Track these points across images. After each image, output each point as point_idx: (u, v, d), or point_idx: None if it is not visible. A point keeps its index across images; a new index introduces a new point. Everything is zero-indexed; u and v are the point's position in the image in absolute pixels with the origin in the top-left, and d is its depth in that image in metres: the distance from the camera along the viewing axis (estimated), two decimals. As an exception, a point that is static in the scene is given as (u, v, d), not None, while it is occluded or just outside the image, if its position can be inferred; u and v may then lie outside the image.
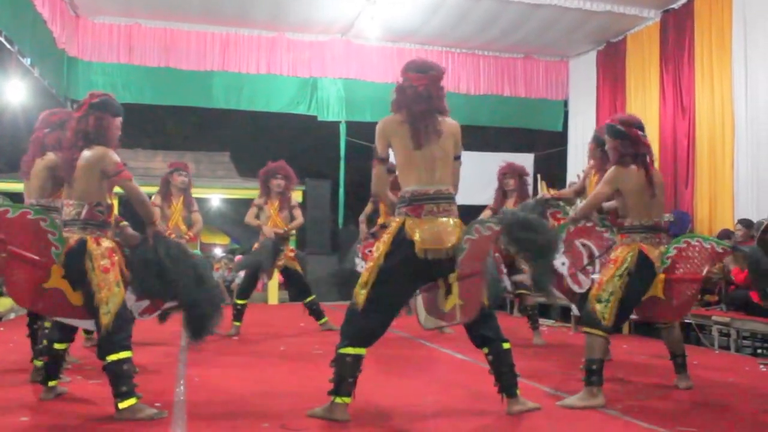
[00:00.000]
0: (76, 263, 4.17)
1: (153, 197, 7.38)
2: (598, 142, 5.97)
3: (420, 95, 4.22)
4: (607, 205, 5.15)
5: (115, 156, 4.33)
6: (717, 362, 6.41)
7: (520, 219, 4.24)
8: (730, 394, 5.07)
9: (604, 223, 5.46)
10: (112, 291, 4.17)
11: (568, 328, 8.52)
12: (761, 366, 6.21)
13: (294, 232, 8.62)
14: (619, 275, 4.64)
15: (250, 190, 13.33)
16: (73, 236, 4.22)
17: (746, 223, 7.99)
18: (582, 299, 5.90)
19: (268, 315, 9.98)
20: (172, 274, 4.44)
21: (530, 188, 7.94)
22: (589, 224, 5.40)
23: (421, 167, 4.22)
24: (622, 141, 4.75)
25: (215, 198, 16.32)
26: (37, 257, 4.16)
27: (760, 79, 9.58)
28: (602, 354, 4.64)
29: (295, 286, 8.27)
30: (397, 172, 4.43)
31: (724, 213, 9.94)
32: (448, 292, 4.25)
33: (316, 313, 8.21)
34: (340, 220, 14.11)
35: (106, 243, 4.28)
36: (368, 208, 8.47)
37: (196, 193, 12.15)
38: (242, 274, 12.30)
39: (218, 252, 16.91)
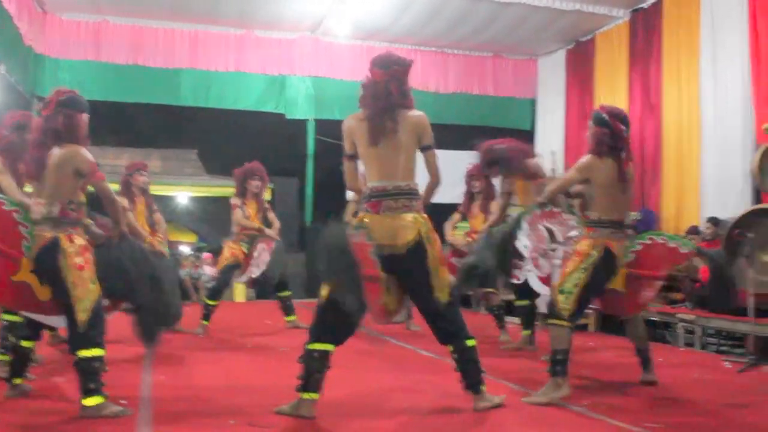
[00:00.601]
0: (50, 261, 4.11)
1: (119, 199, 7.26)
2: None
3: (378, 92, 4.22)
4: (574, 189, 5.15)
5: (88, 155, 4.27)
6: (682, 359, 6.46)
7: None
8: (696, 390, 5.10)
9: (571, 210, 5.47)
10: (87, 288, 4.12)
11: (535, 325, 8.53)
12: (725, 363, 6.26)
13: None
14: (584, 268, 4.64)
15: (218, 188, 13.27)
16: (45, 234, 4.15)
17: (714, 221, 8.09)
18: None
19: (234, 313, 9.89)
20: (133, 276, 4.42)
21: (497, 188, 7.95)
22: (556, 210, 5.42)
23: (380, 163, 4.23)
24: (603, 130, 4.72)
25: (183, 196, 16.17)
26: (9, 249, 4.09)
27: (727, 79, 9.69)
28: (567, 344, 4.63)
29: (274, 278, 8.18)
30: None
31: (690, 211, 10.06)
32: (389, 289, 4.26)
33: (287, 308, 8.17)
34: (308, 219, 14.05)
35: (80, 240, 4.22)
36: (353, 207, 8.42)
37: (164, 190, 12.11)
38: (209, 272, 12.30)
39: (185, 250, 16.74)
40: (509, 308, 7.44)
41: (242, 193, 8.04)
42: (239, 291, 12.13)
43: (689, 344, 7.26)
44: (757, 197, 8.83)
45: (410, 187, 4.25)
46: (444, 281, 4.26)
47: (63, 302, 4.13)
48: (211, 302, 7.88)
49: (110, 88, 12.39)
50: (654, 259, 4.78)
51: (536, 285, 5.85)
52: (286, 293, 8.17)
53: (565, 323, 4.62)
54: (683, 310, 7.31)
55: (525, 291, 6.24)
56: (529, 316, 6.65)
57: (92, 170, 4.26)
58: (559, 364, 4.60)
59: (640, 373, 5.22)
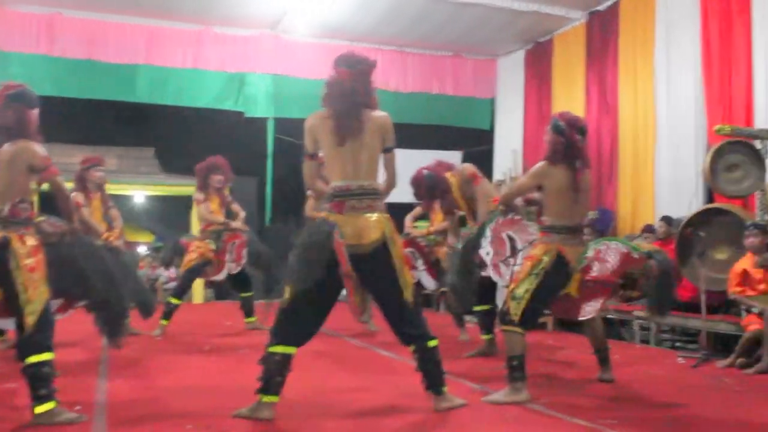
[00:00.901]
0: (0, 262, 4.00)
1: (73, 195, 7.12)
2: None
3: (344, 91, 4.21)
4: (530, 196, 5.21)
5: (41, 150, 4.17)
6: (638, 356, 6.56)
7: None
8: (651, 386, 5.18)
9: (531, 217, 5.52)
10: (38, 290, 4.01)
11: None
12: (679, 359, 6.37)
13: None
14: (535, 274, 4.66)
15: (175, 187, 13.09)
16: None
17: (668, 220, 8.21)
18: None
19: (193, 314, 9.81)
20: (87, 274, 4.34)
21: None
22: (517, 217, 5.46)
23: (344, 163, 4.21)
24: (559, 139, 4.78)
25: (139, 195, 15.96)
26: None
27: (680, 80, 9.85)
28: (521, 350, 4.65)
29: (237, 278, 8.09)
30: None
31: (645, 210, 10.21)
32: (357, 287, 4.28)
33: (248, 310, 8.10)
34: (267, 218, 13.97)
35: (31, 241, 4.10)
36: (311, 203, 8.38)
37: (119, 189, 11.92)
38: (166, 272, 12.18)
39: (141, 250, 16.57)
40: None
41: (204, 187, 7.93)
42: (197, 292, 12.01)
43: (644, 341, 7.37)
44: (710, 196, 8.99)
45: (374, 187, 4.25)
46: (408, 281, 4.26)
47: (13, 305, 4.02)
48: (174, 301, 7.79)
49: (63, 84, 12.09)
50: (607, 264, 4.78)
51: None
52: (249, 294, 8.09)
53: (517, 329, 4.64)
54: (639, 307, 7.40)
55: (485, 295, 6.25)
56: (488, 321, 6.52)
57: (46, 165, 4.15)
58: (516, 370, 4.62)
59: (598, 371, 5.29)
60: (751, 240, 6.10)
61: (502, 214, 5.44)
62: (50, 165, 4.20)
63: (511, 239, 5.39)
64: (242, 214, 8.17)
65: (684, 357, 6.40)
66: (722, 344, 6.72)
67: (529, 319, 4.73)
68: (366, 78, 4.32)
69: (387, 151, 4.36)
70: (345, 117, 4.18)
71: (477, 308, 6.48)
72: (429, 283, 7.27)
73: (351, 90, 4.22)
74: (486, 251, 5.44)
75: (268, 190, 13.69)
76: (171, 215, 16.39)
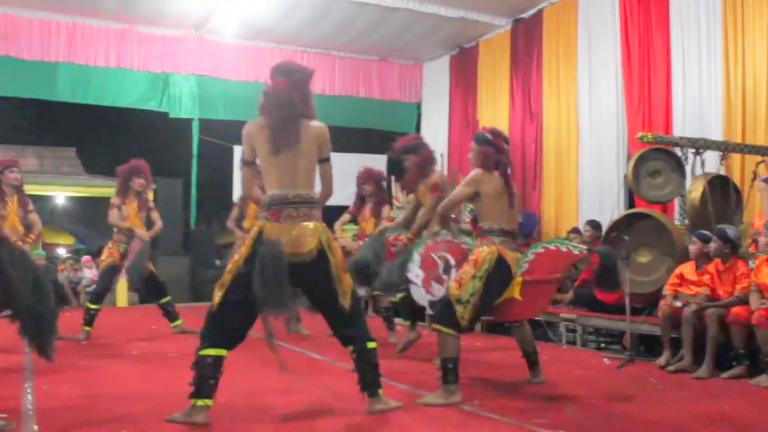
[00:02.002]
0: None
1: None
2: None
3: (281, 100, 4.22)
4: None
5: None
6: (565, 357, 6.71)
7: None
8: (579, 386, 5.32)
9: (462, 232, 5.64)
10: None
11: (422, 326, 8.67)
12: (605, 359, 6.56)
13: None
14: (480, 276, 4.74)
15: (98, 188, 12.79)
16: None
17: (594, 224, 8.41)
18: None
19: (118, 318, 9.59)
20: (14, 282, 4.22)
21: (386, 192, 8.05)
22: (446, 238, 5.58)
23: (281, 171, 4.23)
24: (488, 147, 4.95)
25: (60, 196, 15.51)
26: None
27: (602, 88, 10.13)
28: (456, 352, 4.73)
29: (150, 286, 7.96)
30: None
31: (569, 213, 10.45)
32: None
33: (170, 314, 7.98)
34: (192, 220, 13.78)
35: None
36: (235, 212, 8.33)
37: (40, 190, 11.58)
38: (89, 275, 11.87)
39: (62, 252, 16.12)
40: (396, 310, 7.51)
41: (124, 191, 7.81)
42: (121, 295, 11.76)
43: (571, 342, 7.54)
44: (631, 201, 9.26)
45: (310, 195, 4.28)
46: (347, 287, 4.29)
47: None
48: (92, 306, 7.63)
49: (-21, 81, 11.73)
50: (549, 264, 4.94)
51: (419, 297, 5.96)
52: (166, 299, 7.97)
53: (455, 332, 4.71)
54: (565, 309, 7.59)
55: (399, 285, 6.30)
56: (407, 309, 6.62)
57: None
58: (450, 372, 4.69)
59: (528, 374, 5.40)
60: (693, 247, 6.36)
61: (430, 238, 5.57)
62: None
63: (442, 258, 5.51)
64: (158, 224, 8.05)
65: (609, 358, 6.59)
66: (644, 345, 6.95)
67: (473, 322, 4.82)
68: (304, 88, 4.34)
69: (323, 161, 4.40)
70: (281, 127, 4.19)
71: (397, 297, 6.61)
72: (361, 288, 7.30)
73: (287, 100, 4.23)
74: (415, 273, 5.54)
75: (193, 192, 13.49)
76: (93, 217, 16.00)
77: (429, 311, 6.83)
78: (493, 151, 4.95)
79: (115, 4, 11.58)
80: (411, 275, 5.59)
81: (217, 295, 4.14)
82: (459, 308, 4.71)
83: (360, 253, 6.25)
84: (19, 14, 11.73)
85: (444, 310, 4.80)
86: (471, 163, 5.09)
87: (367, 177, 7.68)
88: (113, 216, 7.77)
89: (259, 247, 4.09)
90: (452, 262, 5.52)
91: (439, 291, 5.49)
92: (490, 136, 5.02)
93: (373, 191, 7.64)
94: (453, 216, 5.74)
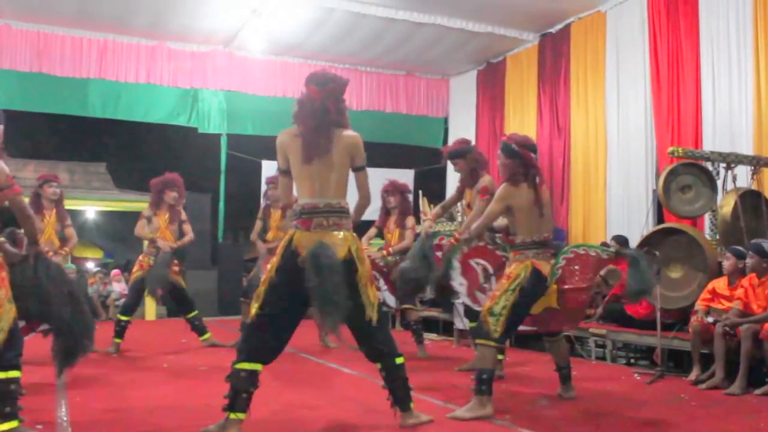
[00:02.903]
0: None
1: None
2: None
3: (315, 109, 4.22)
4: (497, 224, 5.29)
5: (5, 167, 4.09)
6: (595, 373, 6.65)
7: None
8: (611, 402, 5.28)
9: (496, 242, 5.62)
10: (3, 308, 3.92)
11: (451, 341, 8.68)
12: (635, 375, 6.50)
13: None
14: (512, 290, 4.75)
15: (128, 203, 12.91)
16: None
17: (620, 239, 8.35)
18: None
19: (147, 331, 9.66)
20: (50, 297, 4.26)
21: (412, 204, 8.07)
22: (481, 244, 5.54)
23: (312, 180, 4.21)
24: (514, 160, 4.92)
25: (90, 210, 15.69)
26: None
27: (630, 102, 10.11)
28: (493, 365, 4.75)
29: (179, 300, 8.03)
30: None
31: (596, 229, 10.40)
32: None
33: (199, 329, 8.02)
34: (220, 234, 13.87)
35: None
36: (258, 225, 8.36)
37: (71, 204, 11.71)
38: (118, 288, 11.98)
39: (91, 266, 16.29)
40: (426, 324, 7.51)
41: (157, 203, 7.90)
42: (150, 309, 11.83)
43: (600, 358, 7.49)
44: (660, 216, 9.19)
45: (341, 205, 4.26)
46: (373, 300, 4.27)
47: None
48: (123, 318, 7.69)
49: (13, 97, 11.89)
50: (580, 269, 4.92)
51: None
52: (194, 313, 8.02)
53: (491, 343, 4.71)
54: (594, 324, 7.54)
55: (476, 314, 6.37)
56: None
57: (9, 183, 4.09)
58: (484, 384, 4.68)
59: (559, 388, 5.37)
60: (726, 262, 6.30)
61: (466, 243, 5.53)
62: (13, 183, 4.11)
63: (480, 265, 5.48)
64: (189, 236, 8.09)
65: (640, 373, 6.53)
66: (674, 361, 6.89)
67: (506, 334, 4.81)
68: (338, 96, 4.33)
69: (357, 170, 4.38)
70: (313, 135, 4.19)
71: (471, 325, 6.57)
72: (391, 300, 7.30)
73: (321, 108, 4.23)
74: (459, 282, 5.51)
75: (221, 206, 13.61)
76: (121, 231, 16.14)
77: (457, 326, 6.90)
78: (519, 164, 4.90)
79: (146, 21, 11.75)
80: (455, 284, 5.54)
81: (254, 307, 4.12)
82: (491, 320, 4.71)
83: (407, 259, 6.21)
84: (52, 32, 11.97)
85: (480, 324, 4.82)
86: (500, 173, 5.07)
87: (392, 189, 7.70)
88: (139, 227, 7.87)
89: (308, 253, 4.04)
90: (490, 269, 5.50)
91: (484, 301, 5.49)
92: (516, 147, 4.95)
93: (398, 203, 7.65)
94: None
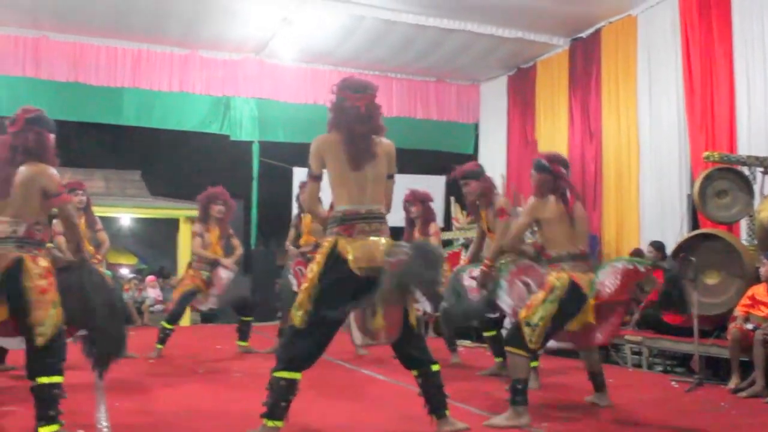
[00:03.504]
0: (13, 282, 3.99)
1: (54, 222, 7.08)
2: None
3: (361, 115, 4.21)
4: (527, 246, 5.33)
5: (56, 174, 4.19)
6: (632, 380, 6.61)
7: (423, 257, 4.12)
8: (649, 410, 5.24)
9: (540, 260, 5.61)
10: (48, 312, 4.01)
11: (484, 348, 8.64)
12: (672, 383, 6.44)
13: None
14: (551, 301, 4.73)
15: (162, 210, 13.05)
16: (9, 254, 4.03)
17: (657, 246, 8.26)
18: None
19: (182, 337, 9.72)
20: (91, 303, 4.34)
21: (438, 212, 8.08)
22: (527, 263, 5.55)
23: (353, 187, 4.20)
24: (544, 174, 4.98)
25: (125, 217, 15.88)
26: None
27: (662, 106, 10.01)
28: (526, 373, 4.74)
29: (241, 303, 8.16)
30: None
31: (630, 235, 10.32)
32: (375, 311, 4.26)
33: (243, 333, 8.10)
34: (253, 241, 13.96)
35: (44, 262, 4.11)
36: (292, 233, 8.39)
37: (106, 211, 11.88)
38: (153, 294, 12.11)
39: (125, 272, 16.46)
40: (464, 331, 7.50)
41: (204, 218, 7.99)
42: (185, 315, 11.93)
43: (636, 365, 7.44)
44: (695, 221, 9.11)
45: (381, 211, 4.27)
46: (413, 304, 4.28)
47: (23, 325, 4.02)
48: (168, 326, 7.80)
49: (50, 106, 11.83)
50: (617, 283, 4.89)
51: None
52: (249, 318, 8.13)
53: (524, 353, 4.71)
54: (630, 331, 7.48)
55: (491, 322, 6.43)
56: (498, 345, 6.66)
57: (59, 191, 4.18)
58: (519, 393, 4.67)
59: (593, 395, 5.33)
60: (764, 269, 6.24)
61: (513, 263, 5.54)
62: (63, 191, 4.22)
63: (525, 284, 5.48)
64: (239, 251, 8.20)
65: (677, 381, 6.46)
66: (712, 369, 6.81)
67: (541, 346, 4.81)
68: (375, 102, 4.34)
69: (388, 177, 4.39)
70: (363, 141, 4.19)
71: (486, 334, 6.83)
72: (427, 306, 7.30)
73: (367, 115, 4.23)
74: (506, 303, 5.50)
75: (254, 213, 13.70)
76: (155, 238, 16.32)
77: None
78: (549, 179, 4.96)
79: (179, 30, 11.88)
80: (502, 304, 5.55)
81: (298, 315, 4.11)
82: (527, 330, 4.70)
83: (445, 300, 6.24)
84: (88, 42, 12.15)
85: (514, 333, 4.82)
86: (532, 188, 5.12)
87: (413, 199, 7.72)
88: (196, 245, 7.97)
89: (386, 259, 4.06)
90: (534, 287, 5.50)
91: None
92: (546, 163, 5.02)
93: (420, 212, 7.68)
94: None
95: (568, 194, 5.00)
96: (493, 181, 6.51)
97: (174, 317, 7.90)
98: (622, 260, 5.16)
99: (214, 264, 7.87)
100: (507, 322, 5.87)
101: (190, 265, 8.07)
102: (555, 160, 5.07)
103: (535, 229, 5.24)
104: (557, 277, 4.80)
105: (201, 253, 7.91)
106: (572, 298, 4.78)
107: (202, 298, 7.96)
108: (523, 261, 5.56)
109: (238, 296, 7.93)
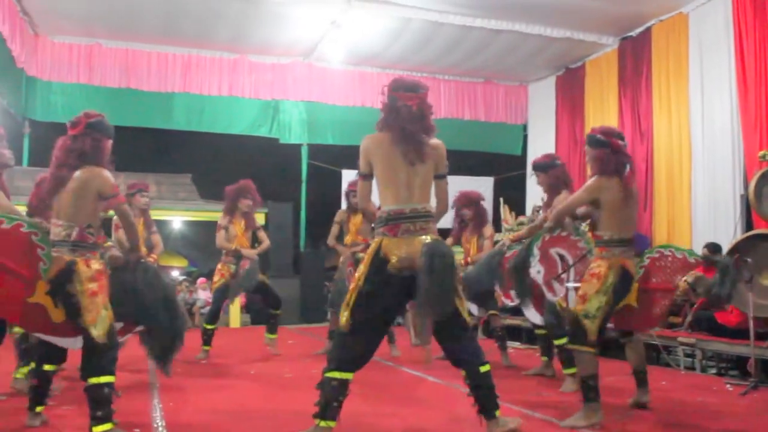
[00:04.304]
0: (64, 285, 4.09)
1: (114, 219, 7.20)
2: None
3: (414, 114, 4.20)
4: (581, 211, 5.16)
5: (110, 177, 4.29)
6: (685, 383, 6.50)
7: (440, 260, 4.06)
8: (704, 414, 5.15)
9: (578, 232, 5.53)
10: (99, 314, 4.10)
11: (535, 349, 8.59)
12: (727, 386, 6.32)
13: None
14: (605, 291, 4.68)
15: (212, 213, 13.18)
16: (63, 257, 4.13)
17: (714, 248, 8.04)
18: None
19: (232, 338, 9.89)
20: (147, 299, 4.42)
21: (489, 212, 8.06)
22: (563, 234, 5.48)
23: (399, 186, 4.20)
24: (603, 149, 4.80)
25: (177, 220, 16.10)
26: (25, 271, 4.05)
27: (715, 105, 9.85)
28: (595, 369, 4.67)
29: (269, 297, 8.21)
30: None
31: (681, 235, 10.15)
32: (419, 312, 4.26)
33: (271, 327, 8.17)
34: (302, 243, 14.07)
35: (96, 265, 4.21)
36: (334, 230, 8.42)
37: (158, 215, 12.06)
38: (204, 296, 12.26)
39: (176, 274, 16.70)
40: (509, 332, 7.46)
41: (231, 210, 8.05)
42: (234, 316, 12.08)
43: (689, 367, 7.32)
44: (749, 221, 8.93)
45: (426, 209, 4.24)
46: (464, 303, 4.26)
47: (76, 326, 4.12)
48: (209, 326, 7.88)
49: (102, 112, 12.18)
50: (664, 271, 4.84)
51: (531, 316, 6.00)
52: (277, 312, 8.17)
53: (589, 349, 4.67)
54: (683, 333, 7.37)
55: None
56: (547, 344, 6.65)
57: (114, 192, 4.28)
58: (591, 390, 4.63)
59: (635, 393, 5.24)
60: None
61: (548, 232, 5.45)
62: (118, 193, 4.31)
63: (560, 256, 5.42)
64: (266, 243, 8.24)
65: (732, 384, 6.35)
66: (766, 372, 6.67)
67: (599, 336, 4.75)
68: (427, 102, 4.35)
69: (440, 177, 4.37)
70: (415, 141, 4.18)
71: (537, 332, 6.76)
72: (474, 309, 7.28)
73: (420, 114, 4.24)
74: (536, 270, 5.46)
75: (303, 216, 13.82)
76: (205, 240, 16.50)
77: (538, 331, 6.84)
78: (609, 152, 4.78)
79: (228, 35, 12.05)
80: (533, 271, 5.50)
81: (344, 316, 4.13)
82: (587, 323, 4.66)
83: (473, 269, 6.21)
84: (139, 48, 12.42)
85: (575, 329, 4.74)
86: (589, 168, 4.96)
87: (466, 201, 7.68)
88: (220, 238, 8.04)
89: (424, 251, 4.02)
90: (570, 260, 5.44)
91: (559, 291, 5.43)
92: (603, 137, 4.83)
93: (473, 214, 7.64)
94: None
95: (627, 169, 4.82)
96: (563, 176, 6.40)
97: (212, 316, 7.99)
98: (672, 247, 5.05)
99: (238, 256, 7.94)
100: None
101: (220, 261, 8.15)
102: (611, 133, 4.88)
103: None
104: (609, 265, 4.72)
105: (222, 245, 8.00)
106: (623, 284, 4.73)
107: (231, 292, 8.07)
108: (560, 233, 5.48)
109: (253, 282, 7.93)
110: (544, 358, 6.75)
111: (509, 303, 6.33)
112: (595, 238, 4.96)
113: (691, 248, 8.97)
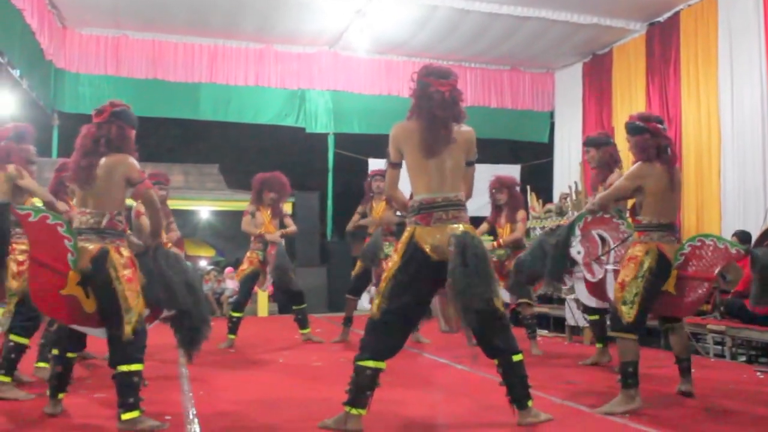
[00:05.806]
0: (99, 273, 4.13)
1: (135, 207, 7.24)
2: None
3: (446, 101, 4.20)
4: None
5: (136, 163, 4.34)
6: (715, 370, 6.45)
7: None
8: (735, 400, 5.10)
9: (621, 215, 5.50)
10: (136, 300, 4.16)
11: (563, 338, 8.56)
12: (758, 373, 6.27)
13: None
14: (642, 276, 4.67)
15: (239, 202, 13.25)
16: (92, 245, 4.18)
17: (743, 236, 7.95)
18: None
19: (260, 327, 9.94)
20: (173, 284, 4.46)
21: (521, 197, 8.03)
22: (606, 216, 5.45)
23: (431, 175, 4.20)
24: (643, 136, 4.79)
25: (204, 210, 16.21)
26: (58, 264, 4.09)
27: (745, 91, 9.73)
28: (635, 356, 4.66)
29: (289, 293, 8.24)
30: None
31: (710, 223, 10.07)
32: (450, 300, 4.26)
33: (301, 322, 8.19)
34: (329, 233, 14.10)
35: (126, 252, 4.27)
36: (356, 218, 8.47)
37: (185, 205, 12.16)
38: (232, 285, 12.33)
39: (204, 264, 16.81)
40: (540, 320, 7.43)
41: (257, 199, 8.11)
42: (262, 305, 12.14)
43: (719, 355, 7.26)
44: (780, 209, 8.83)
45: (458, 198, 4.25)
46: (498, 291, 4.25)
47: (110, 314, 4.16)
48: (235, 314, 7.93)
49: (130, 103, 12.18)
50: (704, 259, 4.79)
51: (584, 297, 5.98)
52: (302, 306, 8.18)
53: (630, 336, 4.66)
54: (713, 320, 7.31)
55: (593, 306, 6.35)
56: (600, 330, 6.60)
57: (141, 178, 4.32)
58: (630, 377, 4.62)
59: (678, 382, 5.21)
60: None
61: (590, 213, 5.44)
62: (145, 178, 4.35)
63: (601, 237, 5.40)
64: (292, 228, 8.29)
65: (762, 372, 6.29)
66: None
67: (641, 323, 4.74)
68: (459, 90, 4.34)
69: (469, 164, 4.38)
70: (442, 128, 4.17)
71: (589, 317, 6.77)
72: (505, 296, 7.27)
73: (451, 101, 4.23)
74: (577, 250, 5.44)
75: (329, 205, 13.85)
76: (233, 230, 16.60)
77: (569, 322, 6.81)
78: (649, 137, 4.77)
79: (253, 25, 12.09)
80: (573, 251, 5.48)
81: (376, 305, 4.16)
82: (624, 309, 4.66)
83: (528, 251, 6.18)
84: (166, 39, 12.49)
85: (615, 316, 4.76)
86: (633, 155, 4.93)
87: (499, 185, 7.67)
88: (245, 222, 8.10)
89: (454, 241, 4.03)
90: (611, 242, 5.42)
91: (599, 272, 5.41)
92: (642, 123, 4.83)
93: (507, 198, 7.62)
94: None
95: (669, 152, 4.82)
96: (614, 154, 6.37)
97: (239, 304, 8.02)
98: (714, 237, 5.00)
99: (264, 241, 7.97)
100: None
101: (249, 249, 8.18)
102: (649, 118, 4.89)
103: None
104: (646, 250, 4.72)
105: (248, 230, 8.07)
106: (660, 268, 4.72)
107: (262, 278, 8.09)
108: (603, 214, 5.45)
109: (287, 269, 7.95)
110: (599, 345, 6.66)
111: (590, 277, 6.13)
112: (635, 223, 4.99)
113: (721, 236, 8.97)
